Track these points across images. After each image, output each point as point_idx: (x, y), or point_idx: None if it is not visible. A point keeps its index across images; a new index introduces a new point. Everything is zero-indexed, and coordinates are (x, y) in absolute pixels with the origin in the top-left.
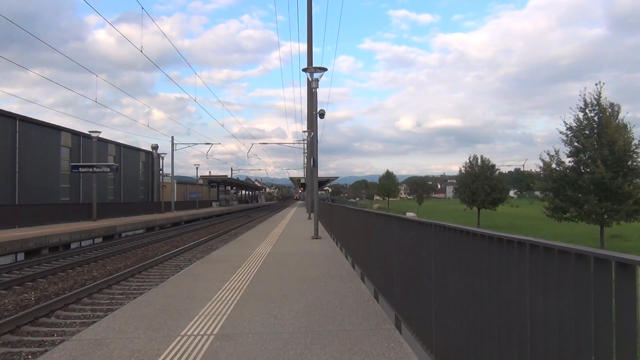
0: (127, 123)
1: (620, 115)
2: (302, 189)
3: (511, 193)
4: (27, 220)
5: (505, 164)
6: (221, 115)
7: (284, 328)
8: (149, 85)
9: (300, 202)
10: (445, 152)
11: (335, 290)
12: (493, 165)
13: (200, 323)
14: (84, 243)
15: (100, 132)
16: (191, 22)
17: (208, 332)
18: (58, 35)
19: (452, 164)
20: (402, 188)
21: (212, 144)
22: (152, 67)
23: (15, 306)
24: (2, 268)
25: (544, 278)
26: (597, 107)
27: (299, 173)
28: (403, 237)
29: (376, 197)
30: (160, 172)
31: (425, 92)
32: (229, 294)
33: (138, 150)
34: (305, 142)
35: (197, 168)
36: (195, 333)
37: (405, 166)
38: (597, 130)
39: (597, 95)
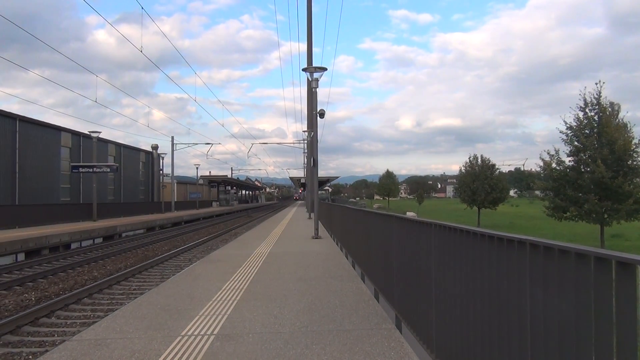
0: (127, 123)
1: (620, 115)
2: (302, 188)
3: (511, 192)
4: (28, 220)
5: (505, 164)
6: (221, 115)
7: (285, 328)
8: (149, 86)
9: (300, 201)
10: (446, 151)
11: (336, 290)
12: (493, 165)
13: (200, 323)
14: (84, 243)
15: (100, 132)
16: (191, 22)
17: (208, 332)
18: (58, 36)
19: (452, 164)
20: (402, 188)
21: (212, 144)
22: (152, 67)
23: (15, 306)
24: (3, 268)
25: (544, 277)
26: (597, 107)
27: (299, 173)
28: (403, 236)
29: (376, 197)
30: (161, 172)
31: (425, 91)
32: (230, 293)
33: (138, 150)
34: (305, 141)
35: (197, 168)
36: (196, 333)
37: (406, 166)
38: (597, 129)
39: (597, 94)
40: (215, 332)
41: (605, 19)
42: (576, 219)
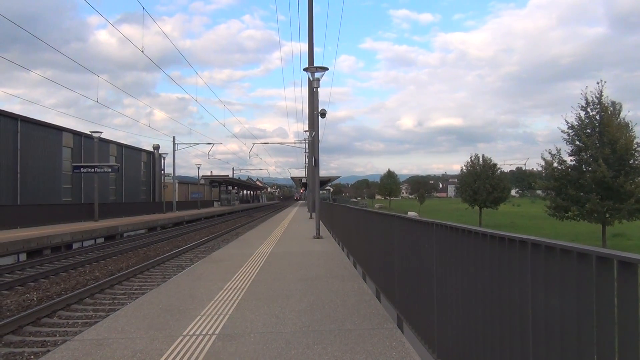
0: (129, 123)
1: (622, 114)
2: (303, 188)
3: (513, 192)
4: (29, 220)
5: (506, 163)
6: (222, 115)
7: (286, 328)
8: (151, 86)
9: (301, 201)
10: (447, 151)
11: (337, 289)
12: (494, 164)
13: (202, 323)
14: (85, 243)
15: (101, 133)
16: (192, 22)
17: (210, 332)
18: (60, 36)
19: (453, 163)
20: (404, 187)
21: (214, 144)
22: (154, 68)
23: (17, 306)
24: (5, 268)
25: (545, 277)
26: (598, 106)
27: (301, 173)
28: (405, 236)
29: (378, 197)
30: (162, 172)
31: (427, 91)
32: (231, 293)
33: (139, 150)
34: (307, 141)
35: (198, 168)
36: (197, 333)
37: (407, 165)
38: (598, 128)
39: (598, 93)
40: (217, 332)
41: (607, 18)
42: (578, 218)
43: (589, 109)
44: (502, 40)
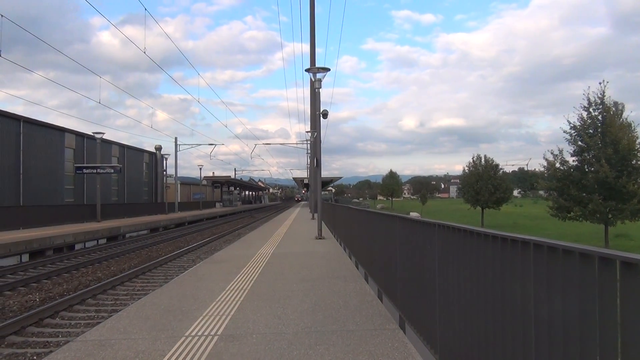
0: (131, 124)
1: (625, 114)
2: (305, 189)
3: (515, 192)
4: (32, 221)
5: (508, 164)
6: (225, 116)
7: (288, 328)
8: (153, 87)
9: (304, 202)
10: (449, 151)
11: (339, 290)
12: (497, 165)
13: (204, 324)
14: (88, 244)
15: (104, 134)
16: (195, 23)
17: (212, 333)
18: (62, 37)
19: (455, 164)
20: (406, 188)
21: (216, 145)
22: (156, 69)
23: (20, 307)
24: (7, 269)
25: (548, 278)
26: (601, 106)
27: (302, 173)
28: (407, 237)
29: (380, 197)
30: (164, 173)
31: (429, 92)
32: (233, 294)
33: (142, 151)
34: (309, 142)
35: (200, 169)
36: (200, 334)
37: (409, 166)
38: (601, 129)
39: (601, 94)
40: (219, 333)
41: (609, 18)
42: (580, 219)
43: (591, 109)
44: (504, 40)
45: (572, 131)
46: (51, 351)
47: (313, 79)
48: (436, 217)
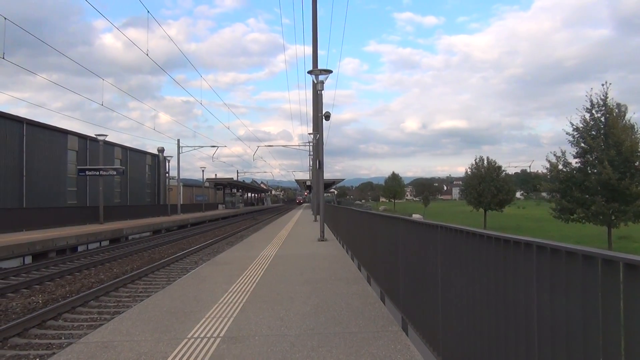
0: (134, 126)
1: (627, 116)
2: (307, 191)
3: (518, 194)
4: (35, 223)
5: (511, 165)
6: (227, 118)
7: (291, 330)
8: (156, 89)
9: (306, 204)
10: (451, 153)
11: (342, 292)
12: (499, 167)
13: (206, 325)
14: (91, 246)
15: (106, 136)
16: (197, 26)
17: (215, 335)
18: (66, 40)
19: (458, 166)
20: (408, 190)
21: (218, 147)
22: (159, 71)
23: (23, 309)
24: (10, 271)
25: (551, 280)
26: (603, 108)
27: (305, 175)
28: (409, 239)
29: (382, 199)
30: (167, 175)
31: (431, 93)
32: (236, 296)
33: (144, 153)
34: (311, 144)
35: (203, 171)
36: (202, 335)
37: (411, 168)
38: (603, 130)
39: (603, 95)
40: (221, 335)
41: (611, 20)
42: (583, 220)
43: (594, 111)
44: (507, 42)
45: (575, 133)
46: (54, 353)
47: (315, 81)
48: (439, 219)
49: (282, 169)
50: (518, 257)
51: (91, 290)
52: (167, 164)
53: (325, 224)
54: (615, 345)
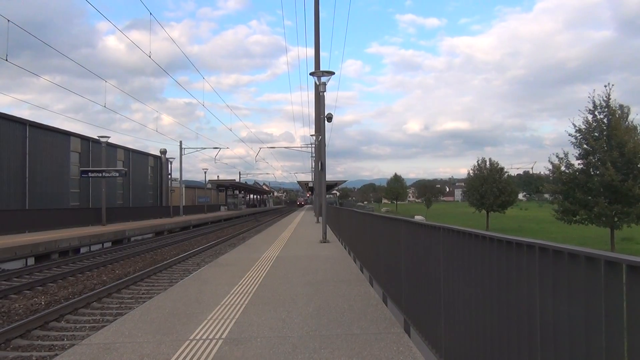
0: (137, 128)
1: (630, 117)
2: (309, 192)
3: (520, 196)
4: (37, 225)
5: (513, 167)
6: (229, 120)
7: (293, 332)
8: (158, 91)
9: (307, 206)
10: (454, 155)
11: (344, 294)
12: (502, 168)
13: (208, 327)
14: (93, 247)
15: (109, 137)
16: (200, 28)
17: (217, 336)
18: (69, 42)
19: (460, 167)
20: (410, 191)
21: (221, 148)
22: (161, 73)
23: (25, 310)
24: (13, 273)
25: (553, 281)
26: (606, 109)
27: (307, 177)
28: (411, 240)
29: (384, 201)
30: (169, 176)
31: (433, 95)
32: (238, 298)
33: (147, 154)
34: (313, 145)
35: (205, 172)
36: (204, 337)
37: (414, 169)
38: (606, 132)
39: (606, 97)
40: (223, 337)
41: (613, 21)
42: (586, 222)
43: (596, 112)
44: (509, 44)
45: (578, 134)
46: (56, 354)
47: (317, 83)
48: (441, 220)
49: (284, 171)
50: (520, 258)
51: (94, 292)
52: (169, 165)
53: (327, 226)
54: (619, 347)
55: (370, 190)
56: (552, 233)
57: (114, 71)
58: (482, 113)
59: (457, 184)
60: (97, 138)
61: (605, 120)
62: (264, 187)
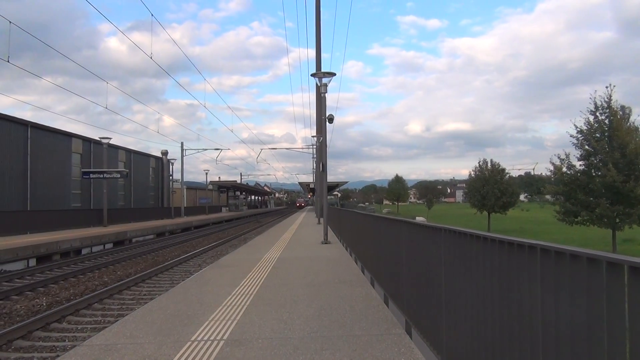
0: (138, 129)
1: (632, 118)
2: (311, 194)
3: (521, 197)
4: (39, 226)
5: (515, 168)
6: (231, 121)
7: (294, 333)
8: (160, 92)
9: (309, 207)
10: (455, 156)
11: (345, 295)
12: (503, 169)
13: (210, 328)
14: (94, 249)
15: (110, 139)
16: (202, 29)
17: (218, 338)
18: (71, 44)
19: (461, 168)
20: (412, 192)
21: (222, 150)
22: (163, 74)
23: (27, 311)
24: (15, 274)
25: (555, 283)
26: (607, 110)
27: (308, 178)
28: (413, 241)
29: (386, 202)
30: (170, 177)
31: (434, 96)
32: (239, 299)
33: (148, 156)
34: (315, 147)
35: (206, 173)
36: (206, 338)
37: (415, 170)
38: (608, 133)
39: (607, 98)
40: (224, 338)
41: (615, 22)
42: (587, 223)
43: (598, 113)
44: (510, 45)
45: (579, 135)
46: (58, 356)
47: (319, 84)
48: (442, 221)
49: (285, 172)
50: (522, 259)
51: (95, 293)
52: (170, 166)
53: (328, 227)
54: (621, 349)
55: (372, 191)
56: (554, 234)
57: (116, 72)
58: (484, 114)
59: (458, 185)
60: (99, 139)
61: (606, 121)
62: (265, 188)
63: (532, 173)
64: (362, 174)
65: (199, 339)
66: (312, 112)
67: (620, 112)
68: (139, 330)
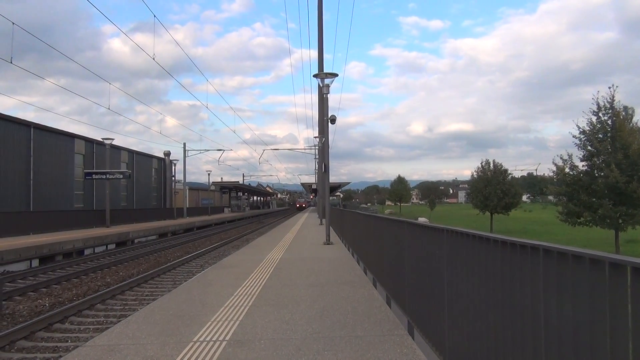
0: (141, 130)
1: (635, 119)
2: (313, 194)
3: (524, 198)
4: (42, 226)
5: (517, 169)
6: (233, 122)
7: (296, 334)
8: (162, 93)
9: (311, 207)
10: (457, 156)
11: (347, 296)
12: (505, 170)
13: (212, 329)
14: (97, 249)
15: (113, 139)
16: (204, 30)
17: (220, 338)
18: (74, 45)
19: (464, 169)
20: (414, 193)
21: (224, 150)
22: (166, 75)
23: (29, 312)
24: (17, 274)
25: (558, 283)
26: (610, 111)
27: (311, 178)
28: (415, 242)
29: (388, 203)
30: (173, 178)
31: (437, 97)
32: (241, 299)
33: (150, 156)
34: (317, 147)
35: (209, 174)
36: (208, 339)
37: (417, 171)
38: (610, 133)
39: (610, 98)
40: (227, 338)
41: (617, 23)
42: (590, 224)
43: (600, 114)
44: (512, 45)
45: (582, 136)
46: (60, 356)
47: (321, 85)
48: (445, 222)
49: (287, 172)
50: (525, 260)
51: (98, 294)
52: (173, 167)
53: (330, 227)
54: (624, 350)
55: (374, 192)
56: (556, 235)
57: (119, 74)
58: (486, 115)
59: (460, 185)
60: (101, 140)
61: (609, 122)
62: (268, 189)
63: (535, 174)
64: (365, 174)
65: (201, 339)
66: (315, 113)
67: (623, 113)
68: (141, 330)
